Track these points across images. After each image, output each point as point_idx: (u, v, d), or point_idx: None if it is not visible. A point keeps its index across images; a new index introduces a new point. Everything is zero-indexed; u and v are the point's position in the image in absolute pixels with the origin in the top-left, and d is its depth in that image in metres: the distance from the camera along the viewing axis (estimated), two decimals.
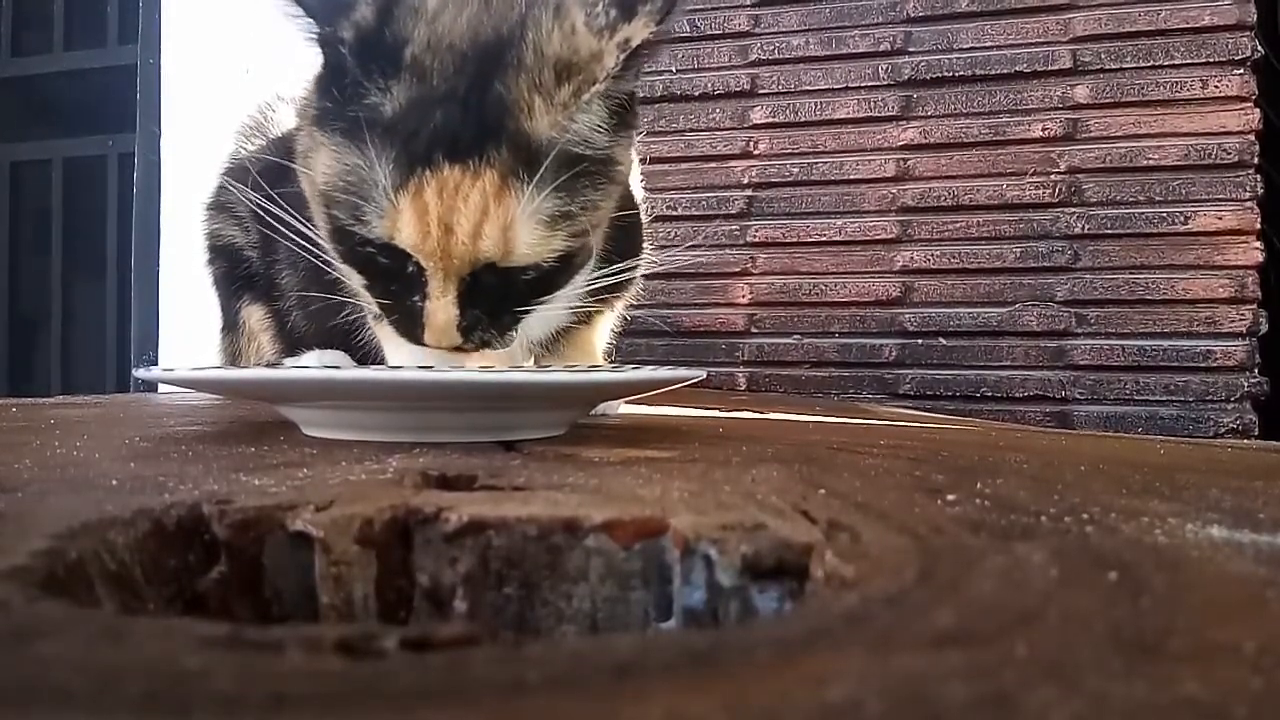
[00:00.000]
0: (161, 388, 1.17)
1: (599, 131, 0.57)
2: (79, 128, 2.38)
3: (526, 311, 0.58)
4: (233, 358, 0.91)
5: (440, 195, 0.53)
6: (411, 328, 0.57)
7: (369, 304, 0.74)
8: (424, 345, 0.57)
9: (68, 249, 2.41)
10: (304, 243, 0.59)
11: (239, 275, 0.89)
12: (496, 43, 0.56)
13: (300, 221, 0.60)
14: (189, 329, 1.77)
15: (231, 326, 0.91)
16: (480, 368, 0.65)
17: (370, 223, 0.54)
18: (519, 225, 0.54)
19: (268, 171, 0.76)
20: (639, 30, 0.55)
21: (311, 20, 0.56)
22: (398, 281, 0.56)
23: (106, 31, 2.32)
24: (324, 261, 0.60)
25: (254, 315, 0.88)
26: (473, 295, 0.55)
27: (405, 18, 0.56)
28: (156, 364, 1.77)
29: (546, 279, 0.58)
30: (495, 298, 0.56)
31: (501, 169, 0.53)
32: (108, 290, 2.34)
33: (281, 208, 0.60)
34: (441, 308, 0.55)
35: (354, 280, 0.60)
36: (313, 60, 0.60)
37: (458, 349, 0.57)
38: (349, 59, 0.56)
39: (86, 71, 2.34)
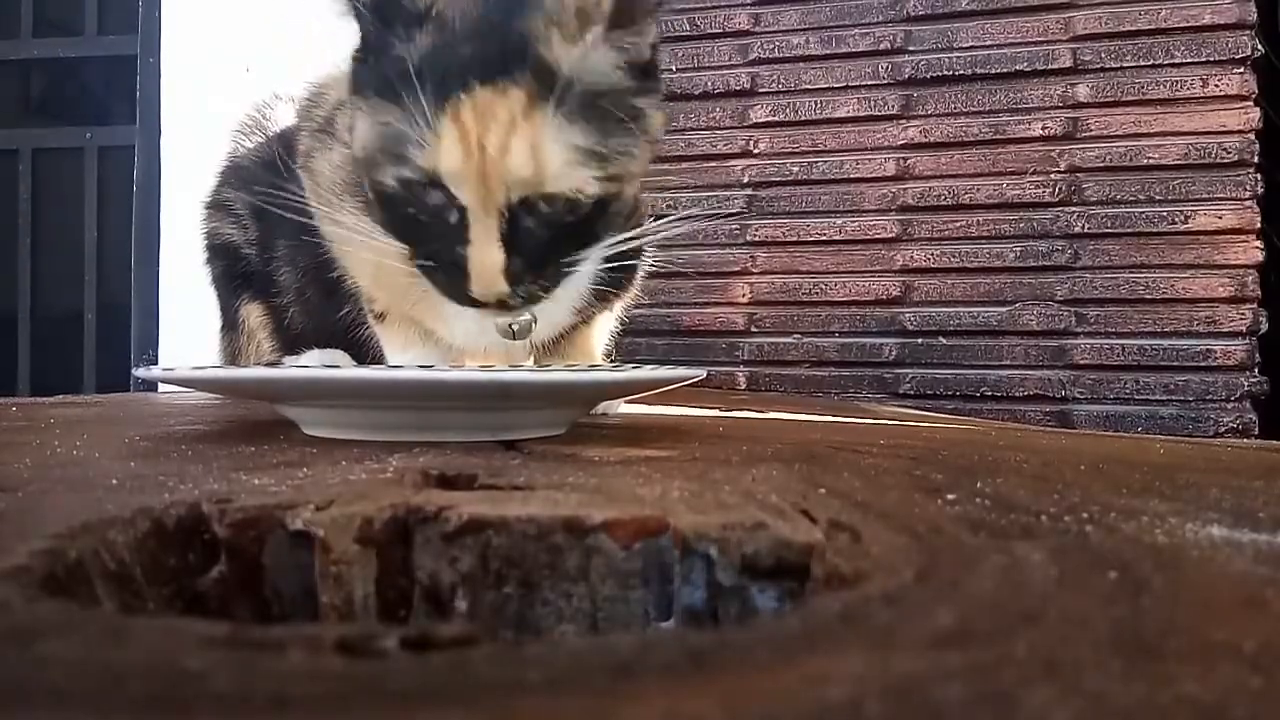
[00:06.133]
0: (161, 387, 1.17)
1: (620, 73, 0.59)
2: (56, 118, 2.36)
3: (571, 265, 0.60)
4: (232, 357, 0.91)
5: (475, 115, 0.55)
6: (457, 283, 0.58)
7: (369, 303, 0.74)
8: (472, 303, 0.58)
9: (44, 241, 2.38)
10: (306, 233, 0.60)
11: (238, 274, 0.89)
12: None
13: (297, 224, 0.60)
14: (189, 329, 1.76)
15: (231, 325, 0.91)
16: (480, 367, 0.65)
17: (413, 160, 0.56)
18: (547, 145, 0.56)
19: (269, 167, 0.76)
20: None
21: None
22: (441, 237, 0.58)
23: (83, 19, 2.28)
24: (326, 259, 0.60)
25: (253, 314, 0.88)
26: (515, 241, 0.57)
27: None
28: (156, 364, 1.77)
29: (586, 227, 0.59)
30: (538, 244, 0.58)
31: (528, 88, 0.56)
32: (86, 285, 2.32)
33: (274, 210, 0.60)
34: (486, 251, 0.56)
35: (392, 250, 0.61)
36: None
37: (503, 304, 0.58)
38: (369, 18, 0.58)
39: (62, 61, 2.31)
